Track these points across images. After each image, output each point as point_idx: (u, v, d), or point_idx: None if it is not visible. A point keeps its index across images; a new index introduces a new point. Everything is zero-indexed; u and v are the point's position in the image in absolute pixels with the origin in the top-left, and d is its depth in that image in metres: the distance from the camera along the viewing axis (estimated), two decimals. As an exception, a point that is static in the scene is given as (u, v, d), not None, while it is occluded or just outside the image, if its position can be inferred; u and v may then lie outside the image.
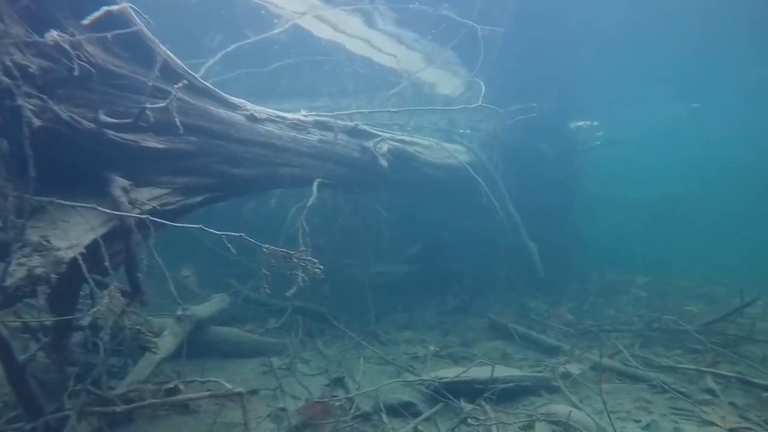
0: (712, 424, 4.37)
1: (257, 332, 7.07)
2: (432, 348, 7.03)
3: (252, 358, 6.00)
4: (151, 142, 3.60)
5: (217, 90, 4.28)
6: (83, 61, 2.71)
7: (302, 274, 3.25)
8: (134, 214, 3.08)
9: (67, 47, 2.53)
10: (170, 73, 3.66)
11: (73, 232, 2.88)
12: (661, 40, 10.98)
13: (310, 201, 5.09)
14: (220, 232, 2.95)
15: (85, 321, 2.57)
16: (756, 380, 5.24)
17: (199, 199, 4.20)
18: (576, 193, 11.83)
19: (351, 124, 6.05)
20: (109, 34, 2.75)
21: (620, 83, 12.99)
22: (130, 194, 3.32)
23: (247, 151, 4.58)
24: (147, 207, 3.53)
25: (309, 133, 5.40)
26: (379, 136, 6.40)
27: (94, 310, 2.58)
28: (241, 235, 2.99)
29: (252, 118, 4.61)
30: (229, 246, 2.97)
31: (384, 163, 6.09)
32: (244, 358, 5.93)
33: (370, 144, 6.17)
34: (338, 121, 5.76)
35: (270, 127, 4.83)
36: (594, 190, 13.47)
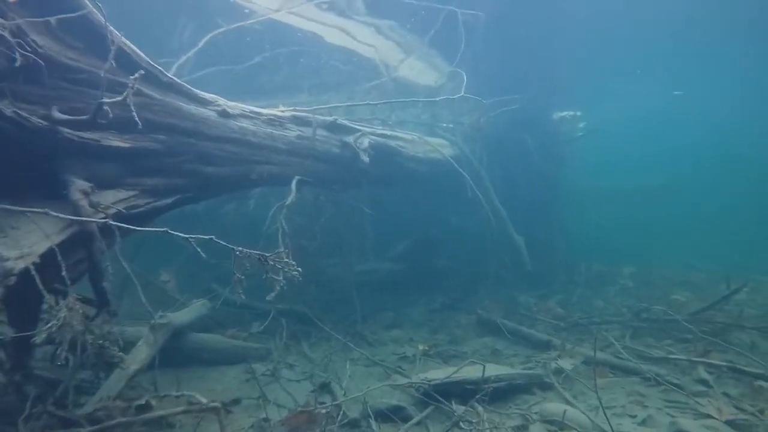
0: (708, 416, 4.26)
1: (240, 337, 6.83)
2: (421, 347, 6.86)
3: (234, 365, 5.76)
4: (114, 141, 3.35)
5: (186, 85, 4.03)
6: (28, 51, 2.45)
7: (279, 278, 3.02)
8: (93, 218, 2.82)
9: (6, 35, 2.27)
10: (131, 66, 3.40)
11: (26, 240, 2.63)
12: (643, 27, 10.93)
13: (289, 200, 4.87)
14: (188, 235, 2.72)
15: (40, 338, 2.32)
16: (747, 368, 5.18)
17: (169, 200, 3.95)
18: (561, 184, 11.77)
19: (330, 119, 5.83)
20: (52, 19, 2.49)
21: (602, 72, 12.95)
22: (91, 197, 3.06)
23: (220, 148, 4.34)
24: (111, 211, 3.29)
25: (286, 129, 5.17)
26: (359, 130, 6.19)
27: (49, 325, 2.33)
28: (211, 238, 2.77)
29: (224, 114, 4.37)
30: (200, 250, 2.74)
31: (365, 158, 5.88)
32: (226, 365, 5.69)
33: (350, 139, 5.96)
34: (317, 116, 5.54)
35: (244, 124, 4.59)
36: (578, 181, 13.41)
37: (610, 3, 10.08)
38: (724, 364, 5.32)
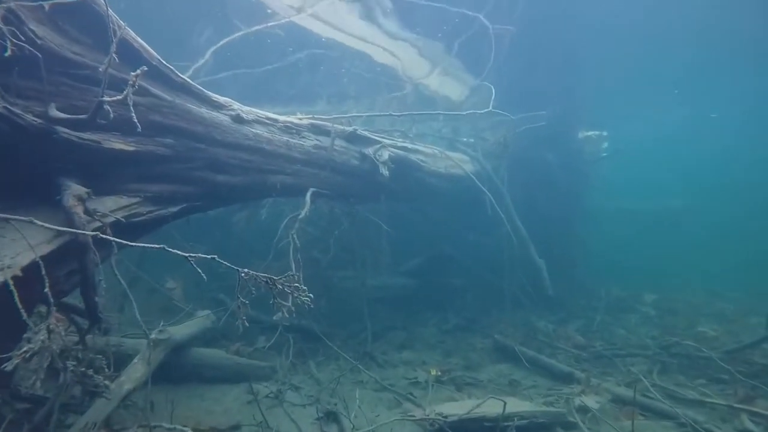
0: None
1: (245, 352, 6.54)
2: (433, 372, 6.48)
3: (237, 383, 5.44)
4: (117, 144, 3.09)
5: (199, 87, 3.78)
6: (23, 41, 2.20)
7: (288, 304, 2.72)
8: (82, 229, 2.54)
9: (-4, 21, 2.02)
10: (140, 63, 3.14)
11: (8, 251, 2.36)
12: (667, 48, 10.58)
13: (303, 213, 4.58)
14: (188, 254, 2.43)
15: (10, 366, 2.02)
16: (798, 420, 4.72)
17: (175, 209, 3.68)
18: (583, 204, 11.36)
19: (349, 129, 5.55)
20: (45, 3, 2.24)
21: (627, 92, 12.57)
22: (87, 204, 2.80)
23: (233, 156, 4.07)
24: (109, 219, 3.02)
25: (303, 137, 4.90)
26: (379, 142, 5.91)
27: (23, 350, 2.04)
28: (213, 258, 2.47)
29: (238, 119, 4.11)
30: (200, 271, 2.44)
31: (385, 171, 5.58)
32: (227, 383, 5.38)
33: (369, 151, 5.67)
34: (335, 125, 5.26)
35: (259, 130, 4.32)
36: (599, 202, 12.98)
37: (639, 20, 9.76)
38: (770, 413, 4.86)
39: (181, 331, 4.85)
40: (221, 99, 4.05)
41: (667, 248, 19.64)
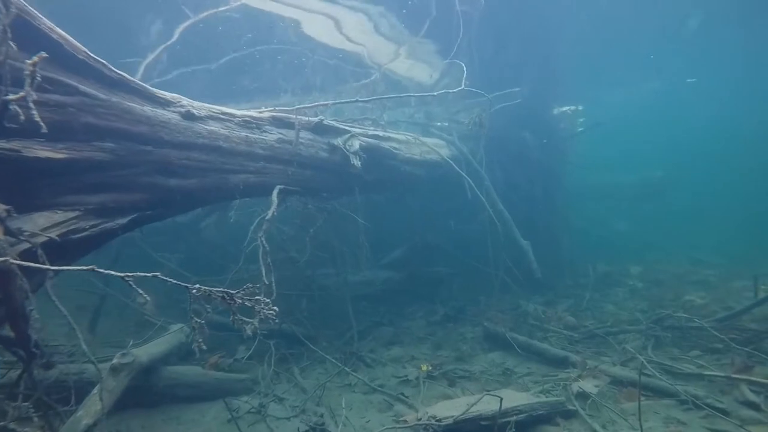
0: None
1: (224, 365, 6.19)
2: (424, 368, 6.22)
3: (216, 400, 5.08)
4: (43, 152, 2.70)
5: (139, 82, 3.38)
6: None
7: (252, 321, 2.39)
8: (1, 254, 2.16)
9: None
10: (65, 59, 2.77)
11: None
12: (641, 19, 10.41)
13: (270, 213, 4.23)
14: (126, 274, 2.08)
15: None
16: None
17: (124, 220, 3.30)
18: (563, 181, 11.20)
19: (315, 119, 5.19)
20: None
21: (602, 64, 12.40)
22: (6, 223, 2.40)
23: (186, 156, 3.69)
24: (40, 239, 2.63)
25: (265, 132, 4.53)
26: (349, 132, 5.56)
27: None
28: (156, 275, 2.12)
29: (189, 117, 3.72)
30: (141, 293, 2.10)
31: (357, 162, 5.25)
32: (206, 401, 5.02)
33: (339, 142, 5.33)
34: (300, 116, 4.89)
35: (214, 127, 3.94)
36: (579, 178, 12.86)
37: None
38: (772, 381, 4.71)
39: (149, 350, 4.47)
40: (168, 95, 3.66)
41: (650, 220, 19.75)
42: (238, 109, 4.43)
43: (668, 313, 6.75)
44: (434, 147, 7.56)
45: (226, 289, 2.28)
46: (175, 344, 5.30)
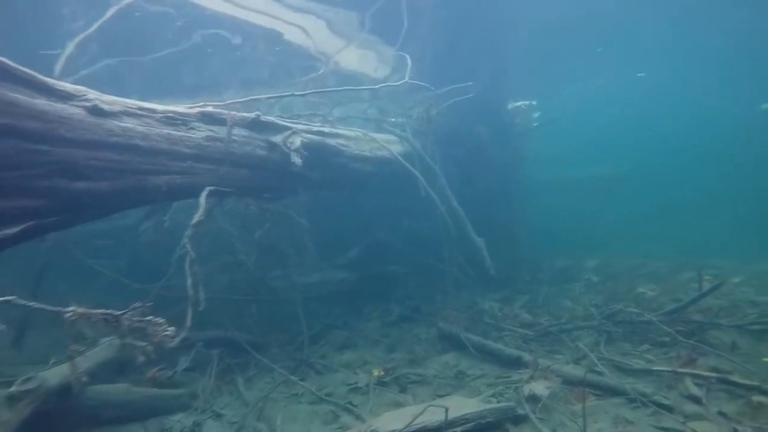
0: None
1: (163, 378, 5.78)
2: (376, 373, 6.00)
3: (149, 419, 4.72)
4: None
5: (29, 71, 2.99)
6: None
7: (145, 345, 2.09)
8: None
9: None
10: None
11: None
12: (595, 12, 10.47)
13: (197, 217, 3.89)
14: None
15: None
16: (740, 380, 4.60)
17: (15, 230, 2.91)
18: (519, 177, 11.20)
19: (251, 115, 4.85)
20: None
21: (557, 57, 12.45)
22: None
23: (94, 156, 3.31)
24: None
25: (192, 129, 4.17)
26: (289, 128, 5.26)
27: None
28: (9, 300, 1.79)
29: (98, 112, 3.34)
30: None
31: (297, 160, 4.95)
32: (136, 422, 4.65)
33: (278, 139, 5.02)
34: (232, 112, 4.56)
35: (129, 123, 3.58)
36: (537, 172, 12.92)
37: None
38: (714, 375, 4.72)
39: (61, 371, 4.04)
40: (70, 87, 3.27)
41: (606, 214, 20.20)
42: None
43: (620, 308, 6.76)
44: (385, 143, 7.33)
45: (110, 312, 1.96)
46: (103, 360, 4.88)
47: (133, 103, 3.69)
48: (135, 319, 2.03)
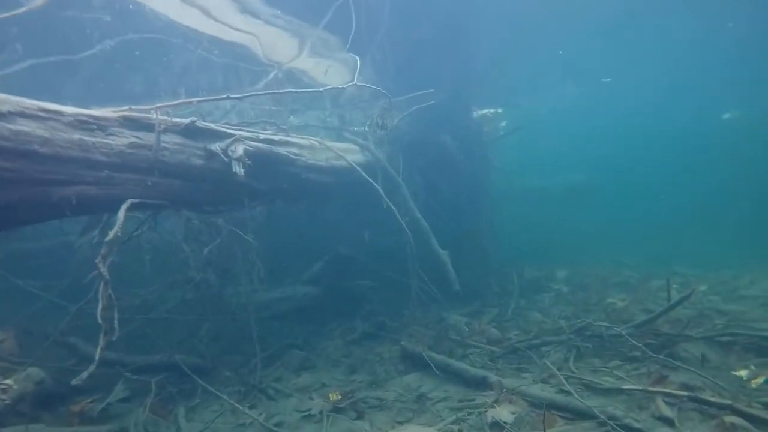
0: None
1: (93, 412, 5.22)
2: (333, 397, 5.56)
3: (67, 462, 4.18)
4: None
5: None
6: None
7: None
8: None
9: None
10: None
11: None
12: (561, 22, 10.41)
13: (113, 233, 3.42)
14: None
15: None
16: (711, 398, 4.34)
17: None
18: (487, 187, 10.97)
19: (185, 120, 4.43)
20: None
21: (522, 65, 12.35)
22: None
23: (-23, 165, 2.84)
24: None
25: (111, 134, 3.73)
26: (231, 135, 4.84)
27: None
28: None
29: (-17, 113, 2.88)
30: None
31: (239, 170, 4.54)
32: (51, 466, 4.10)
33: (217, 147, 4.59)
34: (162, 117, 4.13)
35: (26, 127, 3.11)
36: (504, 182, 12.75)
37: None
38: (685, 394, 4.45)
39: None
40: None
41: (576, 223, 20.24)
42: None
43: (589, 322, 6.50)
44: (344, 152, 6.96)
45: None
46: (16, 396, 4.32)
47: (32, 103, 3.23)
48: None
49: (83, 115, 3.53)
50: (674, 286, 10.16)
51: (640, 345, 5.63)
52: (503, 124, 15.00)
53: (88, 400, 5.34)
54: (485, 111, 13.42)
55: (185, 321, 7.48)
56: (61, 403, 5.36)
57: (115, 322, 3.26)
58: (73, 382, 2.89)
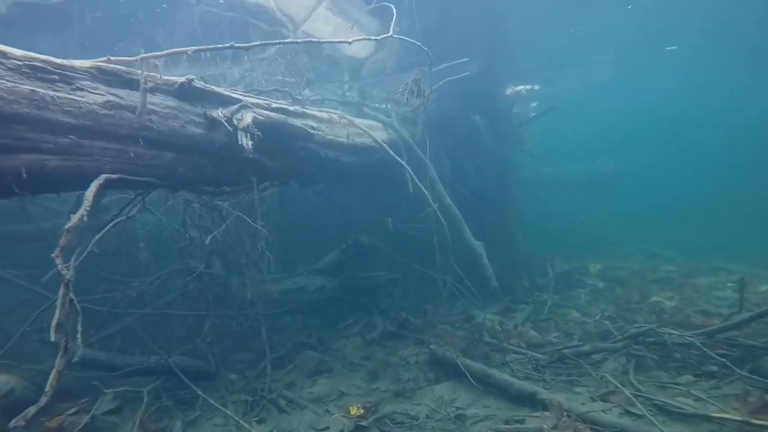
0: None
1: (78, 423, 4.49)
2: (354, 411, 4.78)
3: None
4: None
5: None
6: None
7: None
8: None
9: None
10: None
11: None
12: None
13: (76, 218, 2.59)
14: None
15: None
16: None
17: None
18: (516, 172, 10.02)
19: (180, 78, 3.56)
20: None
21: (557, 44, 11.24)
22: None
23: None
24: None
25: (80, 89, 2.88)
26: (238, 100, 3.97)
27: None
28: None
29: None
30: None
31: (246, 142, 3.69)
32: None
33: (220, 113, 3.73)
34: (150, 73, 3.27)
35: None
36: (532, 167, 11.78)
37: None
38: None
39: None
40: None
41: (603, 212, 19.19)
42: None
43: (650, 327, 5.59)
44: (367, 129, 6.07)
45: None
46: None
47: (-36, 40, 2.39)
48: None
49: (38, 60, 2.67)
50: (729, 284, 9.24)
51: (720, 358, 4.72)
52: (534, 104, 13.93)
53: (70, 412, 4.62)
54: (520, 88, 12.37)
55: (186, 316, 6.71)
56: (40, 412, 4.62)
57: (78, 336, 2.45)
58: (11, 424, 2.11)
